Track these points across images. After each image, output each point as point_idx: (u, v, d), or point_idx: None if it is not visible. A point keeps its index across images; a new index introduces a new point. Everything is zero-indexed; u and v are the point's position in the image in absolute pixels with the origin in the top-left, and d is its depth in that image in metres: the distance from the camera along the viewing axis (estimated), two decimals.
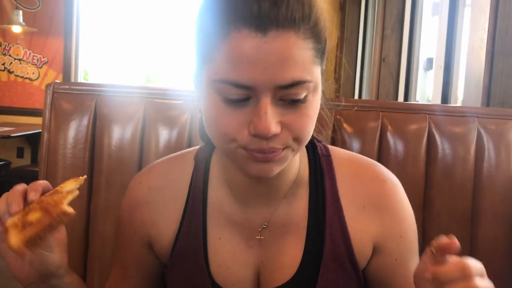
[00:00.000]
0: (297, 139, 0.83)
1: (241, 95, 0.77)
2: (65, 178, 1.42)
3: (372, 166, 1.01)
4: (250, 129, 0.78)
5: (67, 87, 1.47)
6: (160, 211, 1.02)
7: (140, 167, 1.44)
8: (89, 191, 1.44)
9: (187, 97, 1.48)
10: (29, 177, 5.03)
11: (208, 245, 0.98)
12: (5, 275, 1.02)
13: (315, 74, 0.79)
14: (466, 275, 0.70)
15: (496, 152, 1.45)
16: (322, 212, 0.98)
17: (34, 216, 0.81)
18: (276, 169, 0.85)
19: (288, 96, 0.77)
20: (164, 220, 1.01)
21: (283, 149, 0.82)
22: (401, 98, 3.81)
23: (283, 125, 0.79)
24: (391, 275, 0.99)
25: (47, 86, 1.46)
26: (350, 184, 0.99)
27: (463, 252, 1.42)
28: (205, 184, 1.02)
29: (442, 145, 1.44)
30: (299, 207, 0.99)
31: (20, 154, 5.99)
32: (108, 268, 1.38)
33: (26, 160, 5.96)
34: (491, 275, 0.72)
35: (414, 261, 0.99)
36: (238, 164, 0.87)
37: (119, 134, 1.45)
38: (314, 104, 0.83)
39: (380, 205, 0.98)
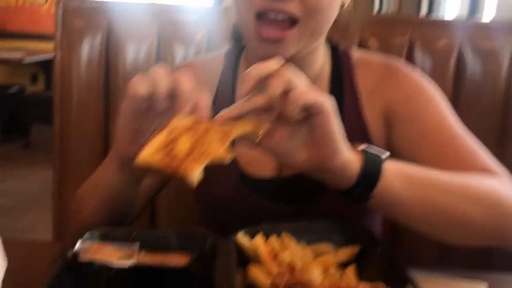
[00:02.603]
0: (309, 13, 0.85)
1: None
2: (81, 98, 1.43)
3: (387, 58, 1.06)
4: None
5: (77, 4, 1.41)
6: None
7: None
8: (105, 112, 1.42)
9: (203, 14, 1.43)
10: (44, 102, 5.05)
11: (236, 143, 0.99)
12: None
13: None
14: (286, 78, 0.70)
15: None
16: (340, 105, 0.99)
17: (182, 146, 0.71)
18: (284, 52, 0.88)
19: None
20: None
21: (293, 24, 0.85)
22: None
23: None
24: (412, 144, 0.97)
25: (57, 2, 1.40)
26: (364, 76, 1.03)
27: None
28: (234, 81, 1.06)
29: (473, 62, 1.37)
30: None
31: (34, 80, 5.97)
32: None
33: (40, 86, 5.94)
34: None
35: (447, 123, 0.95)
36: (251, 45, 0.92)
37: (133, 51, 1.40)
38: None
39: (390, 83, 1.01)
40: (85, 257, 0.73)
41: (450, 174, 0.83)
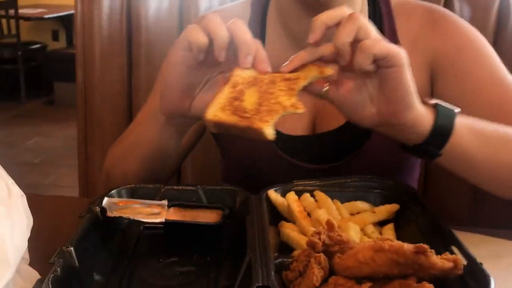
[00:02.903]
0: None
1: None
2: (103, 51, 1.39)
3: (428, 3, 1.01)
4: None
5: None
6: None
7: None
8: (128, 66, 1.38)
9: None
10: (66, 59, 5.03)
11: None
12: None
13: None
14: (358, 23, 0.66)
15: None
16: None
17: (249, 100, 0.69)
18: None
19: None
20: None
21: None
22: None
23: None
24: (463, 101, 0.87)
25: None
26: (405, 22, 0.98)
27: None
28: (262, 31, 1.01)
29: None
30: None
31: (55, 37, 5.95)
32: None
33: (61, 43, 5.92)
34: None
35: (498, 73, 0.92)
36: None
37: (156, 5, 1.35)
38: None
39: (435, 31, 0.95)
40: (112, 213, 0.71)
41: None
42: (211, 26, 0.69)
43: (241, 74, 0.71)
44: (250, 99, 0.69)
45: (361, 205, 0.78)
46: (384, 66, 0.66)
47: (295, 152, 0.97)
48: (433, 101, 0.74)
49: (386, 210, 0.76)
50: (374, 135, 0.93)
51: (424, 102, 0.73)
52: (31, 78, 5.36)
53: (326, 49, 0.68)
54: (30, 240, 0.63)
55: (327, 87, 0.71)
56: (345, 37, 0.66)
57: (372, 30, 0.67)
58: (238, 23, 0.70)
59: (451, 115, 0.73)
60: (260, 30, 1.01)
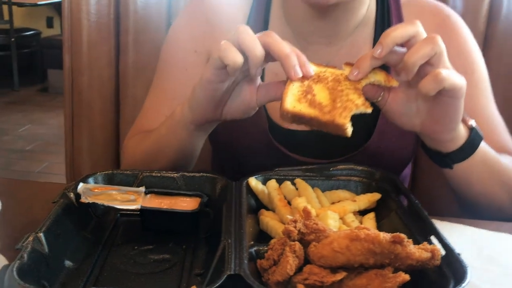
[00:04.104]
0: None
1: None
2: (91, 37, 1.37)
3: (436, 3, 1.01)
4: None
5: None
6: (222, 32, 0.95)
7: (168, 25, 1.33)
8: (116, 52, 1.36)
9: None
10: (60, 46, 4.98)
11: (265, 80, 0.94)
12: None
13: None
14: (436, 44, 0.67)
15: None
16: None
17: (322, 95, 0.70)
18: None
19: None
20: None
21: None
22: None
23: None
24: None
25: None
26: None
27: None
28: (266, 17, 0.98)
29: (508, 1, 1.27)
30: (363, 47, 0.95)
31: (49, 24, 5.90)
32: None
33: (56, 30, 5.87)
34: None
35: (485, 100, 0.96)
36: None
37: None
38: None
39: (443, 38, 0.93)
40: (86, 199, 0.69)
41: (504, 158, 0.89)
42: (246, 43, 0.68)
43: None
44: (321, 94, 0.70)
45: (342, 193, 0.76)
46: (446, 96, 0.69)
47: (292, 146, 0.96)
48: (471, 122, 0.78)
49: (367, 199, 0.74)
50: (374, 136, 0.93)
51: (464, 121, 0.77)
52: (25, 65, 5.32)
53: (393, 59, 0.69)
54: (1, 226, 0.62)
55: (382, 95, 0.73)
56: (419, 58, 0.66)
57: (446, 58, 0.68)
58: (271, 36, 0.69)
59: (478, 141, 0.79)
60: (263, 17, 0.98)
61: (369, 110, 0.70)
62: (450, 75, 0.67)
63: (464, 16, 1.06)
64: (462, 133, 0.77)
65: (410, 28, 0.68)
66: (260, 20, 0.98)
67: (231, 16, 0.99)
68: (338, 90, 0.70)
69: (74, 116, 1.39)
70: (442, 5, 1.01)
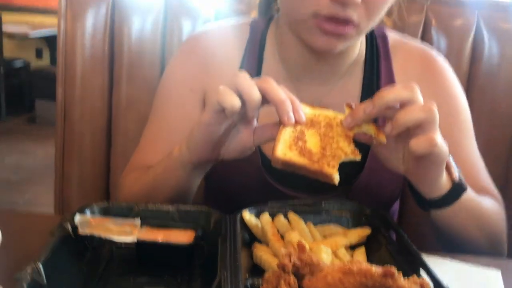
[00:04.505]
0: (368, 17, 0.84)
1: None
2: (85, 70, 1.39)
3: (423, 46, 1.06)
4: None
5: None
6: (216, 71, 1.00)
7: (162, 61, 1.37)
8: (109, 85, 1.38)
9: None
10: (49, 77, 5.00)
11: (259, 118, 0.95)
12: None
13: None
14: (430, 115, 0.70)
15: None
16: (376, 91, 0.96)
17: (313, 141, 0.72)
18: (340, 46, 0.87)
19: None
20: (220, 82, 0.97)
21: (351, 25, 0.83)
22: None
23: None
24: None
25: None
26: (403, 65, 1.01)
27: (502, 157, 1.36)
28: (260, 56, 1.02)
29: (489, 44, 1.32)
30: (353, 87, 0.99)
31: (39, 55, 5.93)
32: None
33: (45, 61, 5.89)
34: None
35: (468, 142, 1.00)
36: (303, 36, 0.88)
37: (139, 24, 1.36)
38: None
39: (430, 82, 1.00)
40: (84, 231, 0.70)
41: (484, 201, 0.91)
42: (244, 88, 0.71)
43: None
44: (312, 140, 0.72)
45: (333, 228, 0.78)
46: (431, 157, 0.73)
47: (284, 181, 0.98)
48: (456, 174, 0.80)
49: (357, 233, 0.76)
50: (365, 172, 0.96)
51: (449, 171, 0.80)
52: (13, 95, 5.32)
53: (385, 114, 0.73)
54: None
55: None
56: (410, 122, 0.70)
57: (437, 125, 0.71)
58: (269, 81, 0.73)
59: (461, 192, 0.81)
60: (257, 56, 1.02)
61: (358, 158, 0.73)
62: (442, 143, 0.71)
63: (448, 57, 1.11)
64: (445, 183, 0.79)
65: (405, 93, 0.71)
66: (254, 60, 1.01)
67: (226, 55, 1.02)
68: (329, 137, 0.73)
69: (65, 147, 1.40)
70: (429, 49, 1.05)
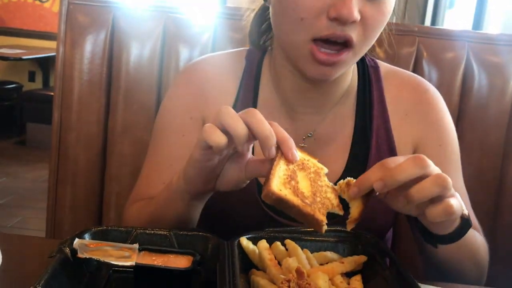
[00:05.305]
0: (366, 37, 0.85)
1: None
2: (82, 94, 1.40)
3: (415, 76, 1.08)
4: (331, 12, 0.81)
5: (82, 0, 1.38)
6: (214, 100, 1.02)
7: (159, 87, 1.39)
8: (106, 110, 1.39)
9: (208, 14, 1.41)
10: (41, 100, 5.01)
11: (254, 146, 0.95)
12: None
13: None
14: (445, 188, 0.69)
15: None
16: (369, 121, 1.01)
17: (304, 185, 0.71)
18: (336, 73, 0.88)
19: None
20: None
21: (346, 46, 0.84)
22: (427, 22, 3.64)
23: (361, 16, 0.82)
24: None
25: None
26: (395, 94, 1.03)
27: (492, 187, 1.38)
28: (256, 86, 1.03)
29: (479, 76, 1.36)
30: (346, 116, 1.01)
31: (31, 78, 5.93)
32: (126, 189, 1.36)
33: (37, 84, 5.89)
34: None
35: (455, 173, 1.00)
36: (298, 64, 0.89)
37: (137, 50, 1.38)
38: (390, 5, 0.86)
39: (422, 112, 1.02)
40: (83, 254, 0.70)
41: (475, 233, 0.93)
42: (229, 123, 0.71)
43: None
44: (303, 183, 0.72)
45: (330, 255, 0.79)
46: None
47: (280, 210, 0.97)
48: (464, 212, 0.77)
49: (354, 261, 0.77)
50: None
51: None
52: (4, 117, 5.30)
53: (394, 197, 0.73)
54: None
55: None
56: (425, 198, 0.69)
57: (452, 191, 0.71)
58: (254, 115, 0.71)
59: (465, 231, 0.79)
60: (253, 85, 1.03)
61: (341, 213, 0.72)
62: (458, 204, 0.70)
63: (439, 88, 1.14)
64: (453, 225, 0.78)
65: (417, 171, 0.69)
66: (250, 89, 1.03)
67: (222, 84, 1.04)
68: (318, 185, 0.73)
69: (59, 171, 1.40)
70: (420, 79, 1.08)
